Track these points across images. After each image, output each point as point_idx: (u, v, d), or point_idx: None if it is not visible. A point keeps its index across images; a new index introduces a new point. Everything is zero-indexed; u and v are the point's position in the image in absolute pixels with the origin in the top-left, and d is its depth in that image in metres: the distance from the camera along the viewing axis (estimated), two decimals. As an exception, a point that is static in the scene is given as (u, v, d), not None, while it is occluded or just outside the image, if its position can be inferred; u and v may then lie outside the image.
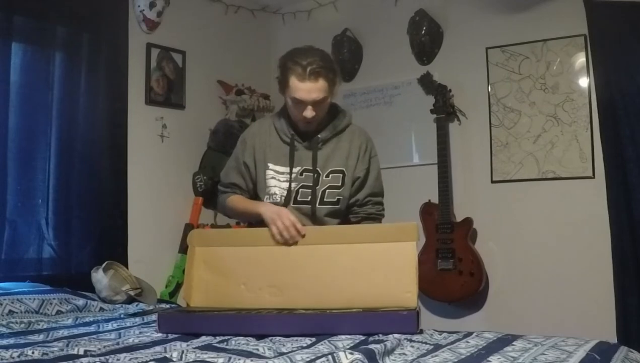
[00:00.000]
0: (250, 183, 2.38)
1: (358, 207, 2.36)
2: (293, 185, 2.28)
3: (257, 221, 2.29)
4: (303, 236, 2.13)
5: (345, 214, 2.37)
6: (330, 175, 2.30)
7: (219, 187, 2.49)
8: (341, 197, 2.32)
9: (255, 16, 4.32)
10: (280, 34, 4.41)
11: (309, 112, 2.20)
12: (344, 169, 2.31)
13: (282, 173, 2.30)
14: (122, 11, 3.44)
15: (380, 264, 2.08)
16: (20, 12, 2.94)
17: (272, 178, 2.31)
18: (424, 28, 3.86)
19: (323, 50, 2.24)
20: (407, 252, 2.06)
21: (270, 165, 2.31)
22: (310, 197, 2.29)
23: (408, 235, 2.09)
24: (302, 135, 2.31)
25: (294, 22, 4.35)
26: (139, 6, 3.53)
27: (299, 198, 2.29)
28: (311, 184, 2.28)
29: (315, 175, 2.29)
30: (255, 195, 2.38)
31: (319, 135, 2.30)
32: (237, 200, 2.38)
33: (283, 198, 2.29)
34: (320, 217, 2.31)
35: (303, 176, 2.29)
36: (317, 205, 2.29)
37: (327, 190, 2.30)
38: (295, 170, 2.29)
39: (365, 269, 2.09)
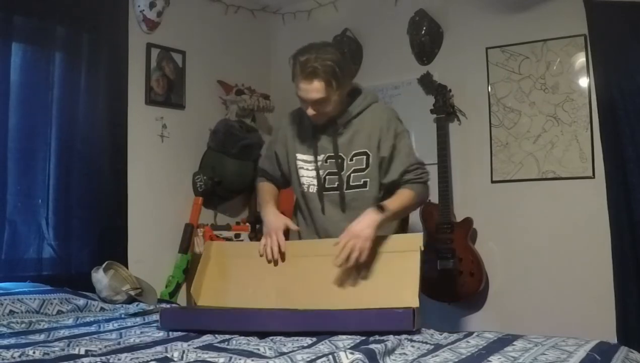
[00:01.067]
0: (278, 171, 2.50)
1: (398, 185, 2.33)
2: (319, 173, 2.34)
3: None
4: (283, 260, 2.21)
5: (376, 197, 2.34)
6: (354, 159, 2.32)
7: (258, 175, 2.65)
8: (367, 179, 2.33)
9: (255, 16, 4.32)
10: (280, 34, 4.41)
11: (310, 110, 2.24)
12: (367, 151, 2.31)
13: (310, 161, 2.37)
14: (122, 11, 3.44)
15: (384, 272, 2.13)
16: (20, 12, 2.94)
17: (301, 168, 2.38)
18: (424, 28, 3.86)
19: (328, 48, 2.23)
20: (411, 260, 2.11)
21: (299, 156, 2.38)
22: (337, 183, 2.33)
23: (413, 245, 2.15)
24: (323, 124, 2.34)
25: (294, 22, 4.35)
26: (139, 6, 3.53)
27: (326, 186, 2.34)
28: (336, 170, 2.32)
29: (339, 160, 2.32)
30: (285, 182, 2.53)
31: (337, 121, 2.32)
32: (262, 191, 2.51)
33: (312, 186, 2.36)
34: (348, 203, 2.34)
35: (328, 163, 2.34)
36: (344, 191, 2.32)
37: (352, 174, 2.32)
38: (320, 158, 2.34)
39: (371, 277, 2.13)
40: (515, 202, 3.61)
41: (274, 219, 2.30)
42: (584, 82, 3.43)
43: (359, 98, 2.36)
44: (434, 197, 3.65)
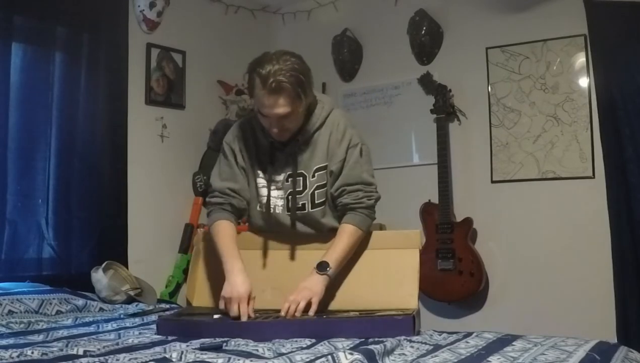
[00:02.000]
0: (247, 191, 2.22)
1: (335, 200, 2.19)
2: (280, 193, 2.18)
3: (257, 227, 2.28)
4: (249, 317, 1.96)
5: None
6: (316, 174, 2.17)
7: (209, 198, 2.26)
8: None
9: (255, 16, 4.32)
10: (280, 34, 4.41)
11: (274, 128, 2.06)
12: (327, 164, 2.17)
13: (269, 181, 2.19)
14: (122, 11, 3.44)
15: (383, 269, 2.11)
16: (20, 12, 2.94)
17: (263, 187, 2.20)
18: (424, 28, 3.86)
19: (292, 58, 2.03)
20: (410, 258, 2.11)
21: (260, 173, 2.20)
22: (301, 202, 2.18)
23: (411, 242, 2.14)
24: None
25: (294, 22, 4.35)
26: (139, 6, 3.53)
27: (289, 206, 2.18)
28: (300, 189, 2.17)
29: (302, 178, 2.16)
30: (245, 210, 2.27)
31: (298, 138, 2.15)
32: (224, 235, 2.15)
33: (276, 207, 2.20)
34: (316, 221, 2.20)
35: (289, 182, 2.16)
36: (310, 210, 2.18)
37: (316, 191, 2.17)
38: (280, 177, 2.18)
39: (369, 273, 2.12)
40: (515, 202, 3.61)
41: (242, 283, 2.00)
42: (584, 82, 3.43)
43: (317, 109, 2.16)
44: (434, 197, 3.66)
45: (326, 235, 2.19)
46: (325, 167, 2.17)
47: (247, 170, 2.23)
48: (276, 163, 2.18)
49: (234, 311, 1.96)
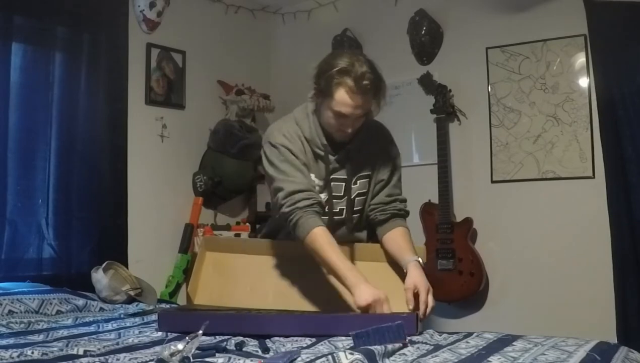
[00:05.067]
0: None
1: (384, 205, 2.21)
2: (323, 196, 2.15)
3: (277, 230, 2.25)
4: None
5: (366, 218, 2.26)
6: (359, 182, 2.19)
7: (289, 206, 2.04)
8: (366, 204, 2.23)
9: (255, 16, 4.32)
10: (280, 34, 4.41)
11: (349, 128, 2.05)
12: (370, 173, 2.20)
13: (315, 185, 2.15)
14: (122, 11, 3.45)
15: (386, 280, 2.13)
16: (20, 12, 2.95)
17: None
18: (424, 28, 3.86)
19: (369, 59, 2.04)
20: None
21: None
22: (339, 208, 2.18)
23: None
24: (332, 144, 2.14)
25: (294, 22, 4.35)
26: (139, 6, 3.54)
27: (326, 210, 2.16)
28: (341, 194, 2.17)
29: (344, 184, 2.16)
30: None
31: (349, 146, 2.15)
32: (329, 246, 2.01)
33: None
34: (349, 227, 2.22)
35: (332, 186, 2.17)
36: (350, 215, 2.19)
37: (356, 198, 2.19)
38: (321, 182, 2.16)
39: (372, 282, 2.12)
40: (515, 202, 3.61)
41: (375, 293, 1.94)
42: (584, 82, 3.43)
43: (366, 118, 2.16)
44: (434, 197, 3.65)
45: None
46: (368, 176, 2.20)
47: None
48: (322, 168, 2.16)
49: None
